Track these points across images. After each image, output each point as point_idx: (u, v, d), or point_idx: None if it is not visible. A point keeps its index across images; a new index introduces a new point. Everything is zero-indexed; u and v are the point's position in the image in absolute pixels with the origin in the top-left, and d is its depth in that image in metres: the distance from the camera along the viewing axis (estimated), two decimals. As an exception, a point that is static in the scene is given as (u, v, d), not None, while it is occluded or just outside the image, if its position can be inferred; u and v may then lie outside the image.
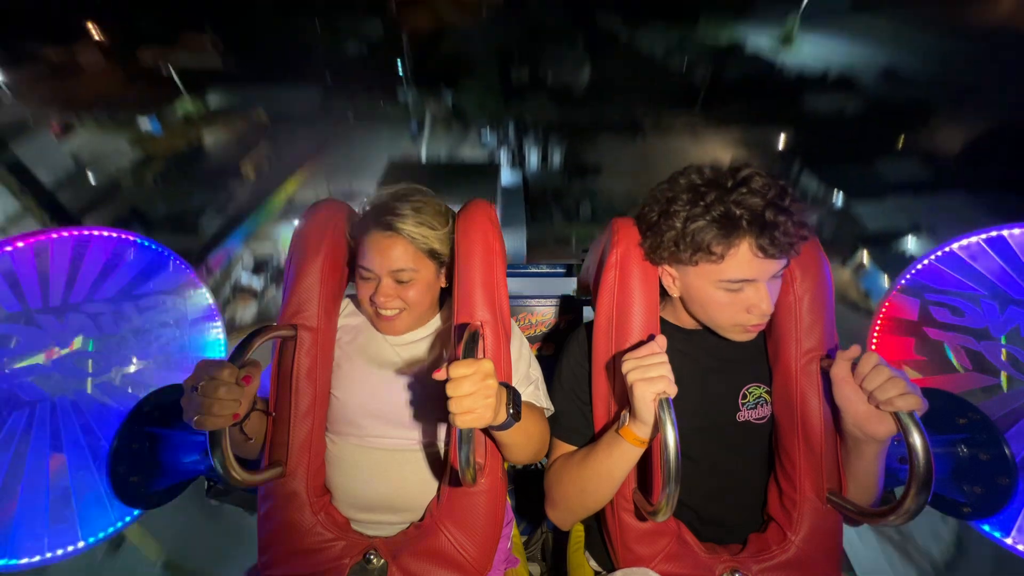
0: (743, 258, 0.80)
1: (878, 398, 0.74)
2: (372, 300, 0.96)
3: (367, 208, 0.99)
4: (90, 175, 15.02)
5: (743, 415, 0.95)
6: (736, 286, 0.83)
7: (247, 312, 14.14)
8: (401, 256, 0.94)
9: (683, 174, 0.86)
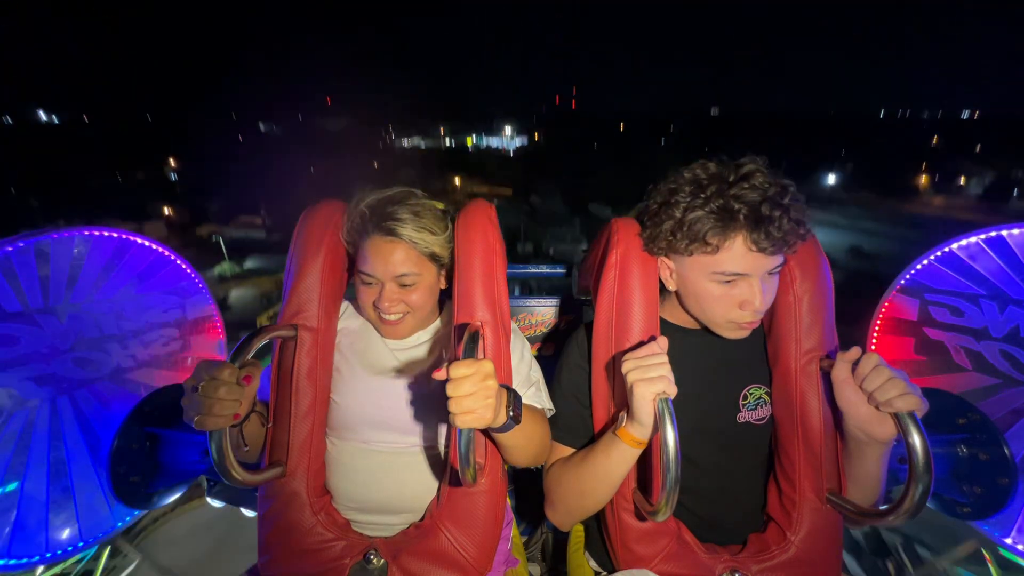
0: (737, 251, 0.81)
1: (878, 399, 0.74)
2: (375, 305, 0.95)
3: (362, 211, 0.95)
4: None
5: (743, 416, 0.95)
6: (729, 278, 0.84)
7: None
8: (403, 261, 0.93)
9: (688, 169, 0.87)
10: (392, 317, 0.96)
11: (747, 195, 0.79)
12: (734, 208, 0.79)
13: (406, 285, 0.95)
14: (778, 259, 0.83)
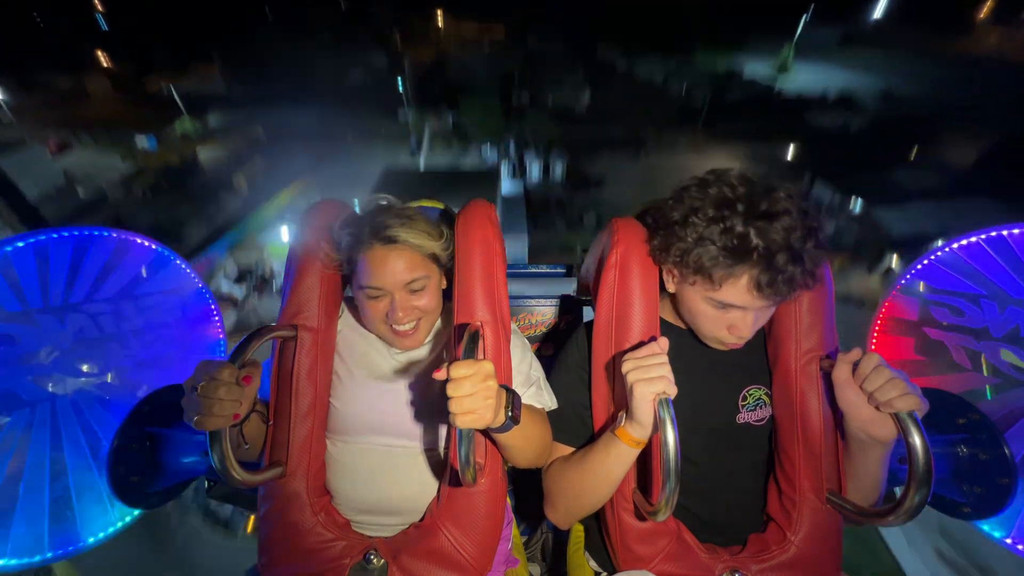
0: (740, 288, 0.80)
1: (878, 399, 0.74)
2: (387, 317, 0.93)
3: (353, 226, 0.93)
4: (79, 189, 15.28)
5: (743, 417, 0.95)
6: (724, 307, 0.84)
7: (226, 321, 14.57)
8: (409, 266, 0.92)
9: (715, 183, 0.83)
10: (407, 327, 0.94)
11: (767, 236, 0.75)
12: (749, 247, 0.76)
13: (416, 291, 0.93)
14: (777, 301, 0.82)
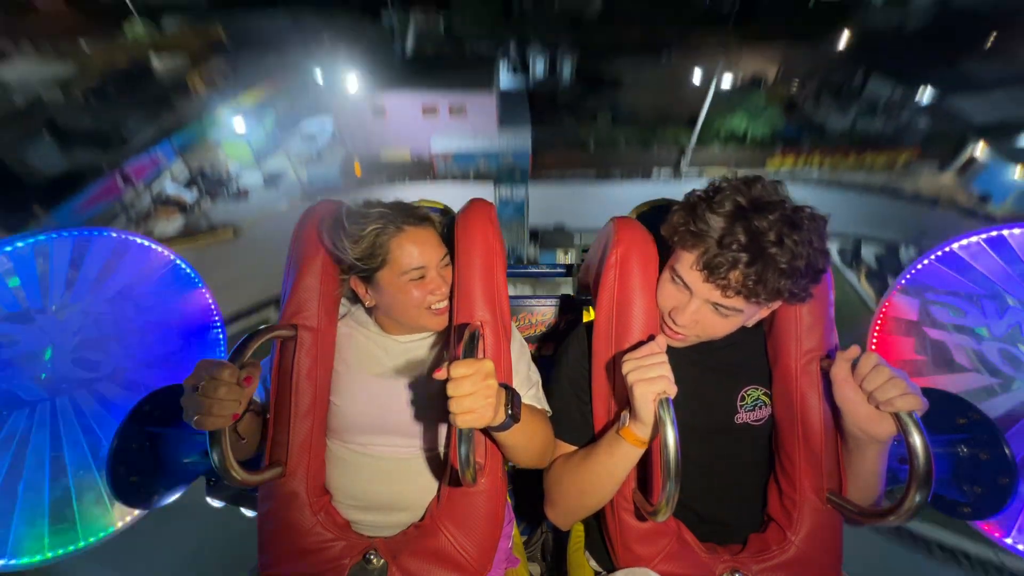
0: (688, 261, 0.81)
1: (878, 398, 0.74)
2: (428, 299, 0.95)
3: (379, 218, 0.92)
4: (14, 97, 13.96)
5: (741, 417, 0.95)
6: (679, 281, 0.84)
7: (170, 226, 13.27)
8: (439, 243, 0.98)
9: (740, 185, 0.80)
10: (444, 303, 0.98)
11: (739, 228, 0.74)
12: (708, 230, 0.76)
13: (445, 266, 0.98)
14: (733, 302, 0.79)
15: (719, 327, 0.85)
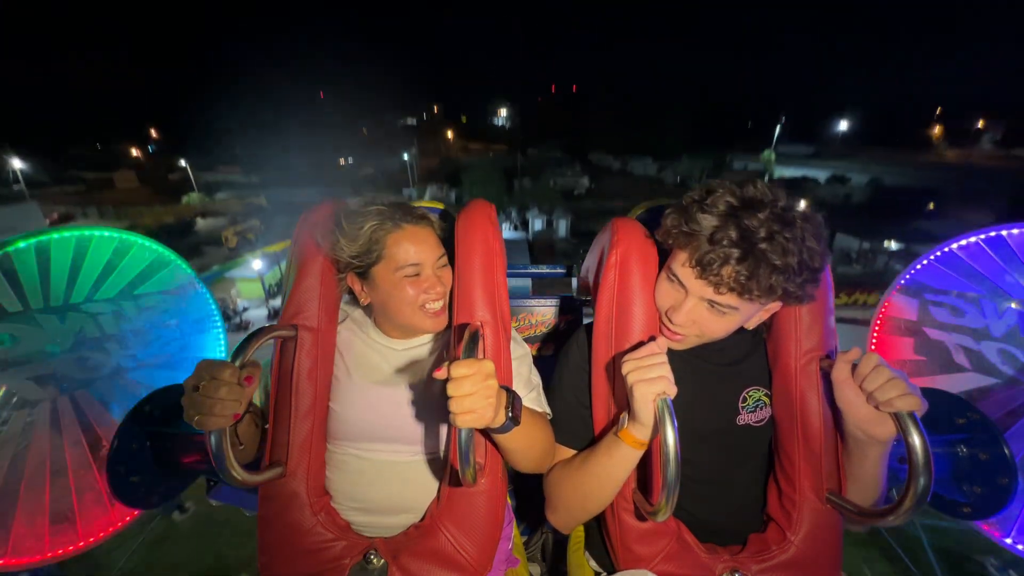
0: (682, 259, 0.82)
1: (878, 399, 0.74)
2: (421, 298, 0.95)
3: (377, 215, 0.94)
4: None
5: (743, 418, 0.95)
6: (675, 279, 0.85)
7: None
8: (437, 243, 0.98)
9: (731, 188, 0.81)
10: (439, 304, 0.97)
11: (731, 225, 0.74)
12: (700, 227, 0.77)
13: (442, 267, 0.98)
14: (727, 299, 0.79)
15: (717, 326, 0.85)
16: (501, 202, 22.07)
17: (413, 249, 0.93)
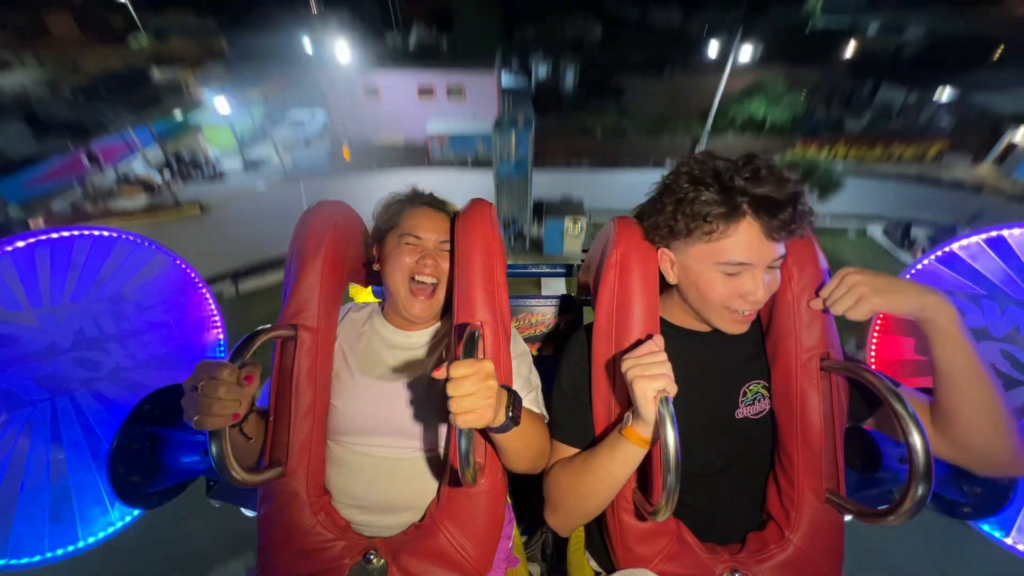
0: (741, 237, 0.81)
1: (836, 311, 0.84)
2: (414, 267, 1.01)
3: (405, 195, 1.12)
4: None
5: (741, 412, 0.95)
6: (734, 269, 0.83)
7: (132, 204, 13.13)
8: (445, 228, 1.06)
9: (685, 163, 0.87)
10: (428, 280, 1.01)
11: (752, 184, 0.79)
12: (739, 188, 0.79)
13: (443, 251, 1.05)
14: (780, 249, 0.83)
15: (776, 286, 0.89)
16: (497, 51, 18.49)
17: (419, 224, 1.04)
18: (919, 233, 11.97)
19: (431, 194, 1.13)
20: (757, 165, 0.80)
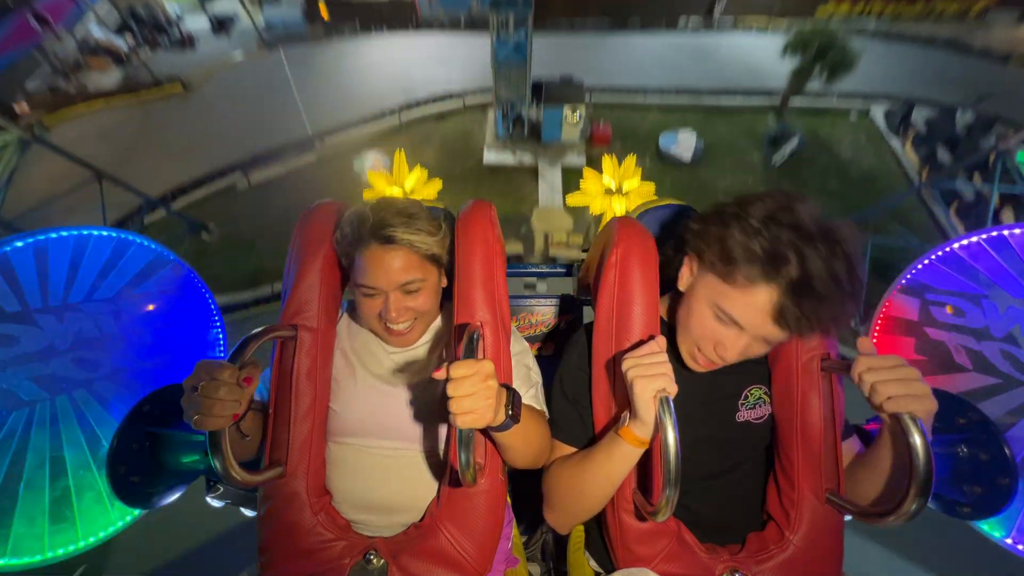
0: (752, 303, 0.74)
1: (881, 396, 0.70)
2: (381, 316, 0.93)
3: (353, 221, 0.92)
4: None
5: (742, 415, 0.95)
6: (727, 320, 0.78)
7: (106, 79, 11.71)
8: (405, 267, 0.90)
9: (773, 200, 0.76)
10: (401, 327, 0.94)
11: (814, 259, 0.69)
12: (784, 264, 0.70)
13: (411, 291, 0.93)
14: (781, 335, 0.76)
15: (760, 352, 0.83)
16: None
17: (370, 272, 0.90)
18: (919, 116, 10.88)
19: (385, 220, 0.90)
20: (833, 251, 0.69)
